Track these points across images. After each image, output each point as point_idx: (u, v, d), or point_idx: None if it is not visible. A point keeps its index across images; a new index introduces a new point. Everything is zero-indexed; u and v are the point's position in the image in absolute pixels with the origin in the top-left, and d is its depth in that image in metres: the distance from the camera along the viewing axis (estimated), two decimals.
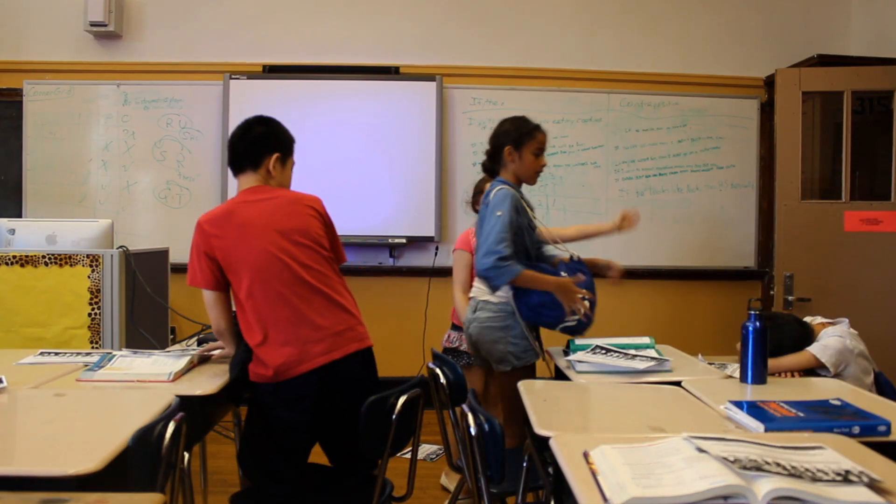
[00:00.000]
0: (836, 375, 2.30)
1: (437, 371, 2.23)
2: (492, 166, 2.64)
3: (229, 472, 2.94)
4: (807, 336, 2.42)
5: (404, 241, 4.47)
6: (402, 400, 1.89)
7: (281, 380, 2.01)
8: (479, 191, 3.17)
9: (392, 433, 1.88)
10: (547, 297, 2.44)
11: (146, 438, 1.40)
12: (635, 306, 4.68)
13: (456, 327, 3.15)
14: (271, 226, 2.06)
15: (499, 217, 2.39)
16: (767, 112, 4.52)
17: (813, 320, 2.53)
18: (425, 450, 3.65)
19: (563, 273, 2.51)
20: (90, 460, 1.23)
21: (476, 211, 3.06)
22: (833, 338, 2.37)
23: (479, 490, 1.84)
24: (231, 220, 2.07)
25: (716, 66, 4.68)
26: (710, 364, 2.44)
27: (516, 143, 2.53)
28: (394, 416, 1.87)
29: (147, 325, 2.97)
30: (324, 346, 2.02)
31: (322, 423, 2.10)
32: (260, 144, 2.18)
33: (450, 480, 3.17)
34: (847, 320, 2.48)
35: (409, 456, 2.18)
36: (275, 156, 2.18)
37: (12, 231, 2.98)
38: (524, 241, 2.50)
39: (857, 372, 2.34)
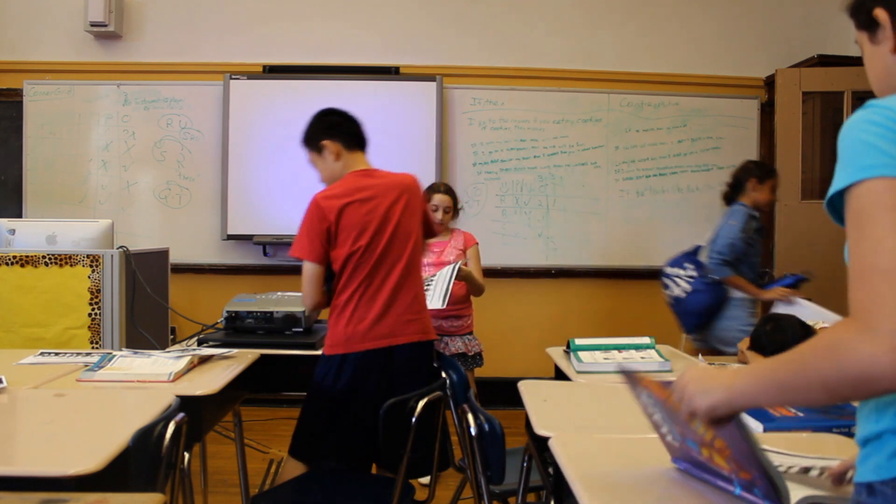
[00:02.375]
0: None
1: (441, 372, 2.23)
2: (732, 194, 3.33)
3: (229, 472, 2.94)
4: (809, 339, 2.42)
5: None
6: (422, 403, 1.89)
7: (346, 352, 2.16)
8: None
9: (412, 436, 1.87)
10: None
11: (146, 438, 1.40)
12: (635, 306, 4.68)
13: None
14: (382, 213, 2.22)
15: (732, 226, 3.16)
16: (767, 112, 4.52)
17: (816, 324, 2.53)
18: None
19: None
20: (90, 460, 1.23)
21: None
22: None
23: (479, 490, 1.84)
24: (354, 195, 2.21)
25: (716, 66, 4.68)
26: (710, 364, 2.44)
27: (761, 178, 3.25)
28: (413, 420, 1.86)
29: (147, 325, 2.97)
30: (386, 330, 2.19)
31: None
32: None
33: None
34: None
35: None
36: None
37: (12, 231, 2.98)
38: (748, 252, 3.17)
39: None
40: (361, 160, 2.34)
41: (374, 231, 2.19)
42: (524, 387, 1.94)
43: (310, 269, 2.20)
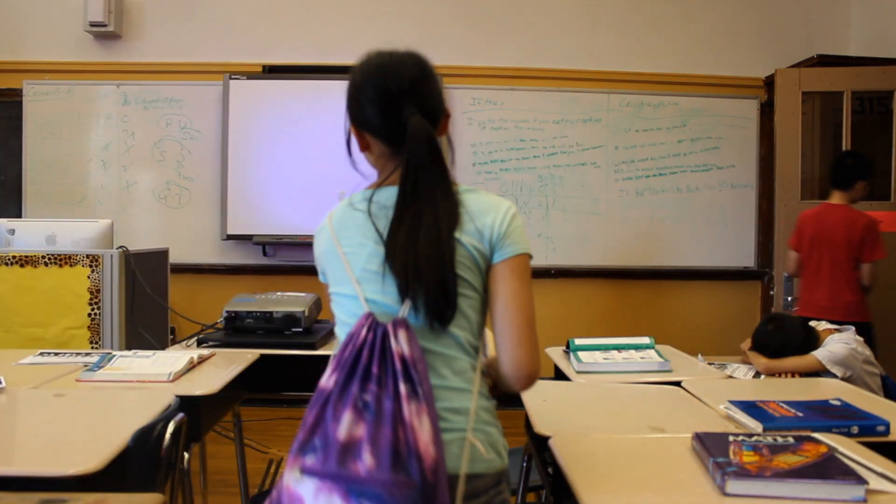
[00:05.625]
0: (845, 381, 2.29)
1: None
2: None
3: (229, 472, 2.94)
4: (811, 340, 2.42)
5: None
6: None
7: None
8: None
9: None
10: None
11: (146, 438, 1.40)
12: (635, 306, 4.68)
13: None
14: (830, 234, 3.22)
15: None
16: (767, 112, 4.52)
17: (818, 325, 2.53)
18: None
19: None
20: (90, 460, 1.23)
21: None
22: (839, 344, 2.35)
23: None
24: (811, 219, 3.31)
25: (715, 67, 4.68)
26: (710, 364, 2.44)
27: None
28: None
29: (147, 325, 2.97)
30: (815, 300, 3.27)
31: None
32: (852, 172, 3.24)
33: None
34: (853, 328, 2.47)
35: None
36: (864, 182, 3.25)
37: (12, 231, 2.98)
38: None
39: (865, 378, 2.34)
40: (833, 195, 3.28)
41: (807, 240, 3.28)
42: None
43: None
